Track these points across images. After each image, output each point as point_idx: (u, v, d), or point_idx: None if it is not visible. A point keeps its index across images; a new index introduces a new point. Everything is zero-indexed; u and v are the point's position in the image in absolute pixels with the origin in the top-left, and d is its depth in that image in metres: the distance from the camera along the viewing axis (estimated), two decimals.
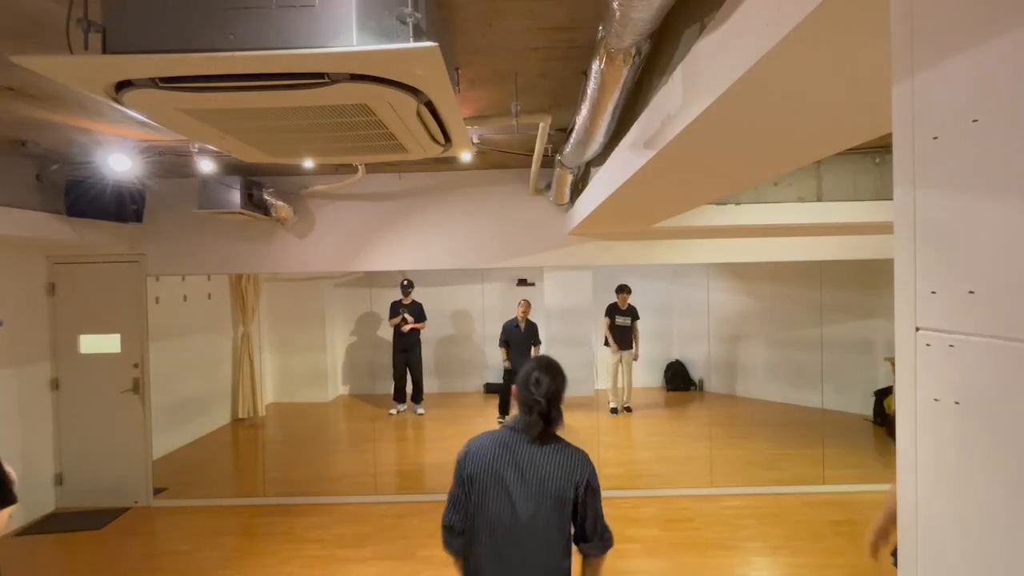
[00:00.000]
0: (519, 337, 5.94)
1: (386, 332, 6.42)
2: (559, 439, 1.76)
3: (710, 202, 3.78)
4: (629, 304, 6.08)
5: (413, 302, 6.29)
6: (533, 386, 1.69)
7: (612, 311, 6.09)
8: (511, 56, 2.34)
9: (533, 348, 5.96)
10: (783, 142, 1.75)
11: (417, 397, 6.45)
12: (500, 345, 5.99)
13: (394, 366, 6.33)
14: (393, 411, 6.40)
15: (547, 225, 4.78)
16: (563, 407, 1.74)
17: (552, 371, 1.73)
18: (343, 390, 7.10)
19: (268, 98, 1.49)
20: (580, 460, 1.71)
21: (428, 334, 6.55)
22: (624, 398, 6.28)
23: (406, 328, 6.20)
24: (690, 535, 4.00)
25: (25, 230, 3.86)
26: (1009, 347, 0.61)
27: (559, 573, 1.68)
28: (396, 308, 6.28)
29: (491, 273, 6.76)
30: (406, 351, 6.30)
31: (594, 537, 1.70)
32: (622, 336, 6.07)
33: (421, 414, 6.47)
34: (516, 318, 5.98)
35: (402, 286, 6.24)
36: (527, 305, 5.98)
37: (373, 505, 4.60)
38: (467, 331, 7.18)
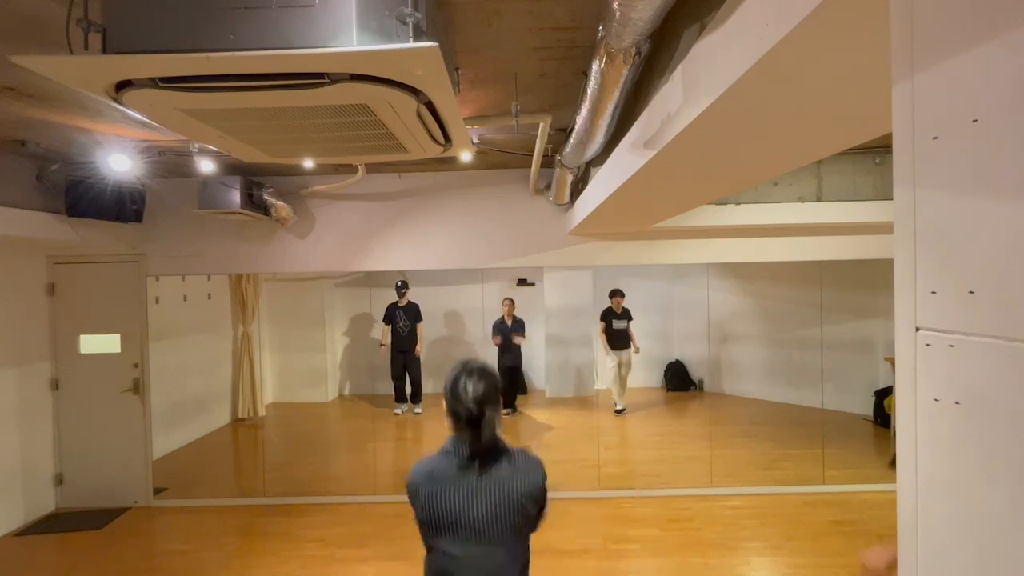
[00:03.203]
0: (507, 334, 6.19)
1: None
2: (503, 450, 1.56)
3: (710, 202, 3.78)
4: (623, 307, 6.12)
5: (409, 303, 6.29)
6: (462, 392, 1.49)
7: (608, 315, 6.13)
8: (511, 56, 2.34)
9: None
10: (783, 142, 1.75)
11: (415, 397, 6.46)
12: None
13: (392, 367, 6.33)
14: (398, 411, 6.41)
15: (547, 225, 4.78)
16: (502, 413, 1.58)
17: (482, 374, 1.52)
18: (343, 390, 7.10)
19: (268, 98, 1.49)
20: (531, 473, 1.55)
21: (427, 334, 6.55)
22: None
23: (383, 345, 6.36)
24: (690, 535, 4.00)
25: (25, 230, 3.86)
26: (1009, 347, 0.61)
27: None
28: (392, 310, 6.28)
29: (491, 273, 6.75)
30: (404, 352, 6.30)
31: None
32: (619, 338, 6.11)
33: (418, 413, 6.48)
34: (503, 316, 6.22)
35: (396, 287, 6.25)
36: (512, 304, 6.26)
37: (373, 505, 4.60)
38: (467, 331, 7.18)
